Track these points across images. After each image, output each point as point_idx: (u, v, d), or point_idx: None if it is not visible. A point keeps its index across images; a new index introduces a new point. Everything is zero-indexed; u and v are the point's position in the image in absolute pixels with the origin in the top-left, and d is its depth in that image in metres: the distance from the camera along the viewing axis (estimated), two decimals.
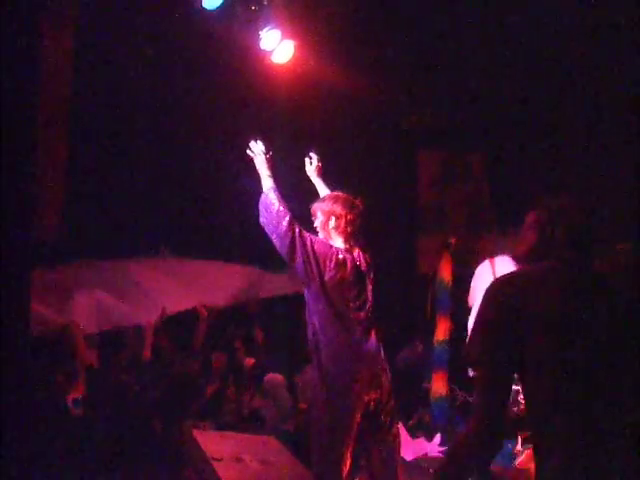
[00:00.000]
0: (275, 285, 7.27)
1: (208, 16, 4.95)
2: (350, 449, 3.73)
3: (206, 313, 5.91)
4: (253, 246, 6.92)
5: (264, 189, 3.92)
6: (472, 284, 6.55)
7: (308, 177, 4.58)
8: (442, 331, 6.97)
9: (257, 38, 5.05)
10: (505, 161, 7.69)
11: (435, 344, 6.96)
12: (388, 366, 4.11)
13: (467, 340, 1.99)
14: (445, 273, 6.98)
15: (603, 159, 7.58)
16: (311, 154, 4.45)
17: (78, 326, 5.00)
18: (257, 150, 3.95)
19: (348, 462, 3.72)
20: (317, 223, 3.98)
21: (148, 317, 5.63)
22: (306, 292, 3.94)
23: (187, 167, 6.76)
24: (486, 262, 6.52)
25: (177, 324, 6.05)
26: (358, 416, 3.79)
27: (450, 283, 6.90)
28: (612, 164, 7.57)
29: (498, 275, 6.57)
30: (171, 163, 6.73)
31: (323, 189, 4.42)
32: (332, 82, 6.32)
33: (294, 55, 5.32)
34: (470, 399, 6.91)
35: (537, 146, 7.50)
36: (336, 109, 6.92)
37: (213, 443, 2.95)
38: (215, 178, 6.82)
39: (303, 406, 5.03)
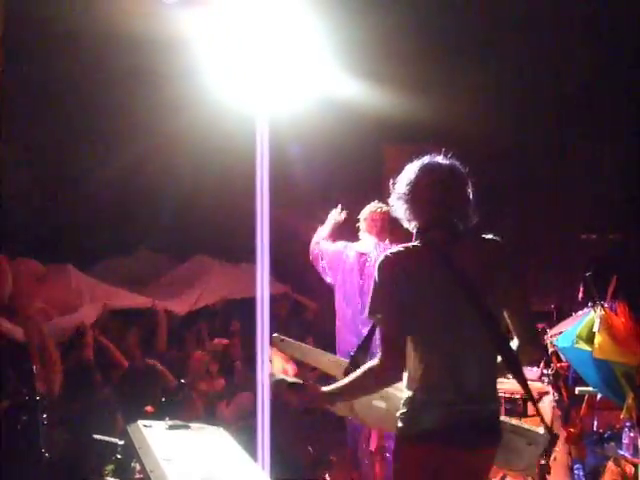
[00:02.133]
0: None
1: None
2: None
3: (163, 313, 5.92)
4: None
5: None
6: None
7: None
8: None
9: None
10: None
11: None
12: None
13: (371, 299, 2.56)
14: None
15: (568, 153, 7.69)
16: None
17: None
18: (335, 215, 5.00)
19: None
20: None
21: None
22: None
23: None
24: None
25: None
26: None
27: None
28: (580, 158, 7.69)
29: None
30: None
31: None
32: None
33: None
34: None
35: (504, 141, 7.57)
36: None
37: (163, 441, 2.94)
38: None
39: None
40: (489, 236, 2.66)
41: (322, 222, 5.24)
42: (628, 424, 4.43)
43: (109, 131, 6.82)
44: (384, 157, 8.10)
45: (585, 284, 4.48)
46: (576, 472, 4.66)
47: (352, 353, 2.83)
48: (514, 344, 2.61)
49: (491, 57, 7.28)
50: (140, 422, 3.12)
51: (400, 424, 2.51)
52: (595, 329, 4.15)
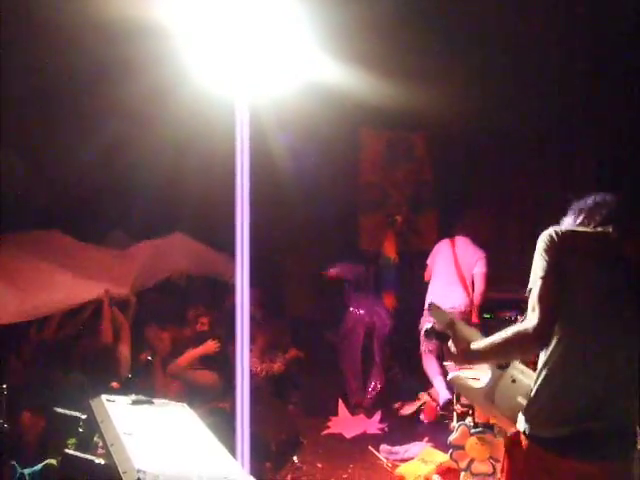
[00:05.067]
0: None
1: None
2: None
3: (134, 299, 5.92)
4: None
5: None
6: (429, 261, 6.62)
7: None
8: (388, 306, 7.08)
9: None
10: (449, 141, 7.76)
11: None
12: None
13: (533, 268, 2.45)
14: (390, 250, 7.04)
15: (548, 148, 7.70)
16: None
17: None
18: None
19: None
20: None
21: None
22: None
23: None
24: (446, 241, 6.59)
25: None
26: None
27: (395, 260, 6.99)
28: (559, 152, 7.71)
29: (458, 252, 6.77)
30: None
31: None
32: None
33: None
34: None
35: (481, 128, 7.57)
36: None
37: (125, 415, 2.93)
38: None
39: None
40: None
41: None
42: None
43: (87, 116, 6.75)
44: (360, 141, 8.10)
45: None
46: None
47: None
48: None
49: (475, 46, 7.25)
50: (103, 396, 3.10)
51: (530, 422, 2.40)
52: None
